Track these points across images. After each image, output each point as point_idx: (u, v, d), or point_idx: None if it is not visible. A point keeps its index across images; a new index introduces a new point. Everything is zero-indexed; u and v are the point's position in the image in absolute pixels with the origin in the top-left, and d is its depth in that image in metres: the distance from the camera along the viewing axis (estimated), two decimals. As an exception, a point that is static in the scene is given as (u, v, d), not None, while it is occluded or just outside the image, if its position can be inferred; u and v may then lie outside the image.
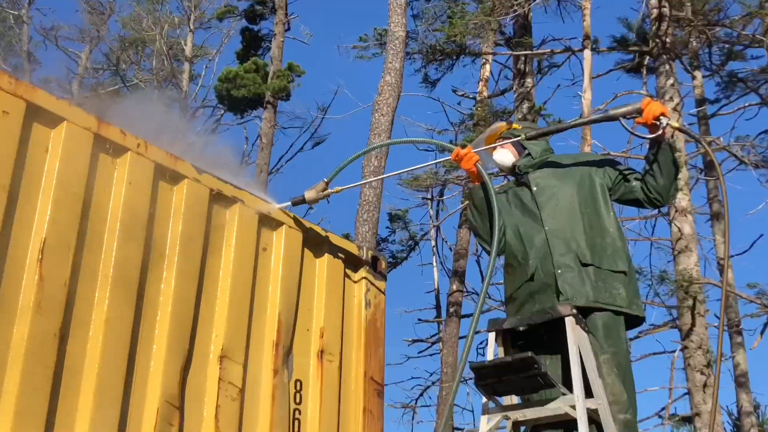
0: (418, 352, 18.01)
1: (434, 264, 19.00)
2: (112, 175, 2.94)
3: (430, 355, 17.94)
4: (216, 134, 19.60)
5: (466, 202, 13.85)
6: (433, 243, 18.96)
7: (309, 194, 3.80)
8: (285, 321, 3.46)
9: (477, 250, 16.67)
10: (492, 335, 3.60)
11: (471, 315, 14.40)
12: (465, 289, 14.96)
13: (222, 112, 18.94)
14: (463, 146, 3.95)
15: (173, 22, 19.51)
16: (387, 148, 10.46)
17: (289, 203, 3.75)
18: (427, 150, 16.69)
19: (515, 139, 3.95)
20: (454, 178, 14.88)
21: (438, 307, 18.24)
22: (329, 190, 3.83)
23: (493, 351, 3.59)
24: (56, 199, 2.67)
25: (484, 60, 14.90)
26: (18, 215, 2.58)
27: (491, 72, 15.35)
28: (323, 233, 3.82)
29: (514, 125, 4.08)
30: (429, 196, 17.75)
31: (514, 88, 14.41)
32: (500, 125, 4.13)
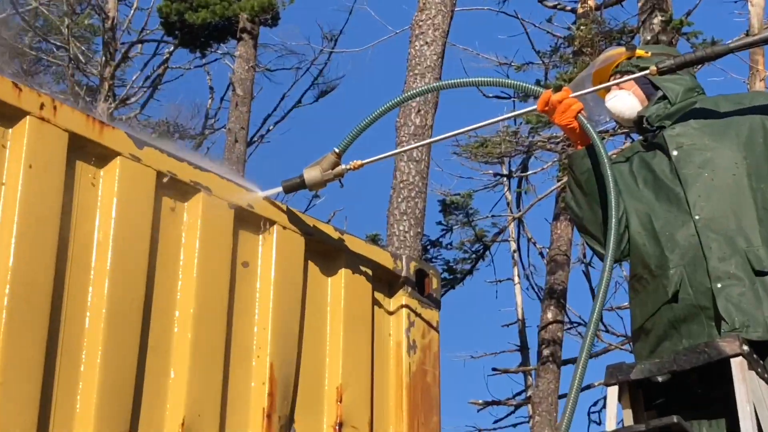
0: (494, 422, 18.07)
1: (516, 279, 19.03)
2: (3, 154, 3.03)
3: (514, 425, 17.99)
4: (160, 84, 19.80)
5: (565, 177, 13.83)
6: (513, 246, 19.03)
7: (311, 174, 3.82)
8: (281, 377, 3.50)
9: (585, 254, 16.66)
10: (613, 390, 3.61)
11: (576, 360, 14.41)
12: (567, 318, 14.97)
13: (171, 47, 19.15)
14: (557, 88, 3.96)
15: None
16: (435, 96, 10.47)
17: (280, 189, 3.80)
18: (499, 97, 16.71)
19: (640, 74, 3.95)
20: (544, 140, 14.86)
21: (524, 348, 18.26)
22: (343, 167, 3.85)
23: (615, 416, 3.60)
24: None
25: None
26: None
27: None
28: (337, 235, 3.85)
29: (639, 52, 4.11)
30: (505, 171, 17.77)
31: (638, -7, 14.32)
32: (617, 52, 4.16)
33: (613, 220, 3.61)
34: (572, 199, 4.03)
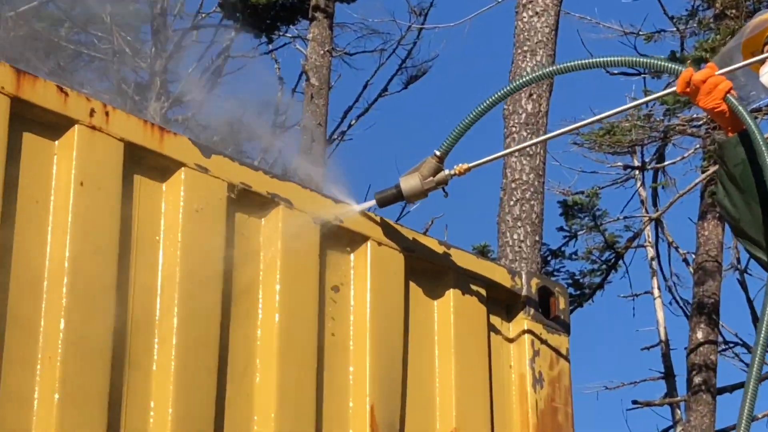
0: (637, 465, 17.92)
1: (655, 292, 18.84)
2: (50, 168, 3.11)
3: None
4: (220, 77, 19.94)
5: (711, 168, 13.69)
6: (650, 252, 18.82)
7: (409, 183, 3.84)
8: (384, 422, 3.51)
9: (739, 259, 16.43)
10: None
11: (738, 387, 14.18)
12: (721, 338, 14.77)
13: (232, 32, 19.30)
14: (698, 63, 3.91)
15: None
16: (549, 82, 10.42)
17: (373, 202, 3.83)
18: (625, 74, 16.55)
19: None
20: (684, 124, 14.69)
21: (669, 375, 18.07)
22: (446, 172, 3.86)
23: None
24: None
25: None
26: None
27: None
28: (442, 250, 3.86)
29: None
30: (637, 163, 17.61)
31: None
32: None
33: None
34: (725, 196, 3.97)
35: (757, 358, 3.57)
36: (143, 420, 3.12)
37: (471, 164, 3.92)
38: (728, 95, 3.75)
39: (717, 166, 4.10)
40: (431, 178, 3.84)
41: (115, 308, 3.10)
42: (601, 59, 4.38)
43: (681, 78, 3.82)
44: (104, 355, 3.03)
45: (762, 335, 3.57)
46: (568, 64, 4.32)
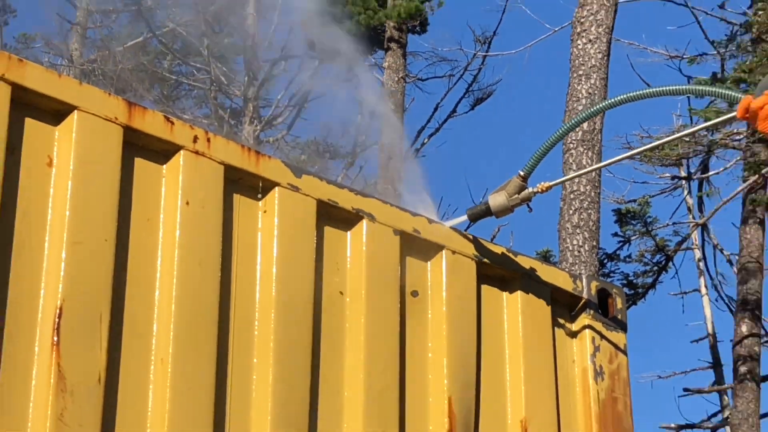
0: (687, 446, 17.69)
1: (703, 290, 18.64)
2: (159, 191, 3.14)
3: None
4: (307, 102, 19.99)
5: (751, 177, 13.53)
6: (697, 254, 18.64)
7: (496, 200, 3.84)
8: (460, 411, 3.50)
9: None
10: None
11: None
12: (764, 331, 14.60)
13: (316, 62, 19.36)
14: (736, 82, 3.85)
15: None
16: (602, 96, 10.36)
17: (465, 218, 3.85)
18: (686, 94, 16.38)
19: None
20: (725, 137, 14.51)
21: (717, 365, 17.86)
22: (530, 190, 3.85)
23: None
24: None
25: None
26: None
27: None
28: (511, 257, 3.84)
29: None
30: (683, 174, 17.43)
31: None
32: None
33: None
34: None
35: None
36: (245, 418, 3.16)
37: (552, 182, 3.91)
38: None
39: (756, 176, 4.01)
40: (516, 195, 3.84)
41: (218, 314, 3.13)
42: (668, 88, 4.29)
43: (741, 105, 3.76)
44: (210, 357, 3.06)
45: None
46: (640, 92, 4.24)
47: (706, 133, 14.64)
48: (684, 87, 4.56)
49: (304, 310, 3.32)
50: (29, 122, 2.95)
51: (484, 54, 19.12)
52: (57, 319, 2.78)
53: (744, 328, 14.41)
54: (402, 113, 16.10)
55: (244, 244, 3.29)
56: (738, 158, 15.11)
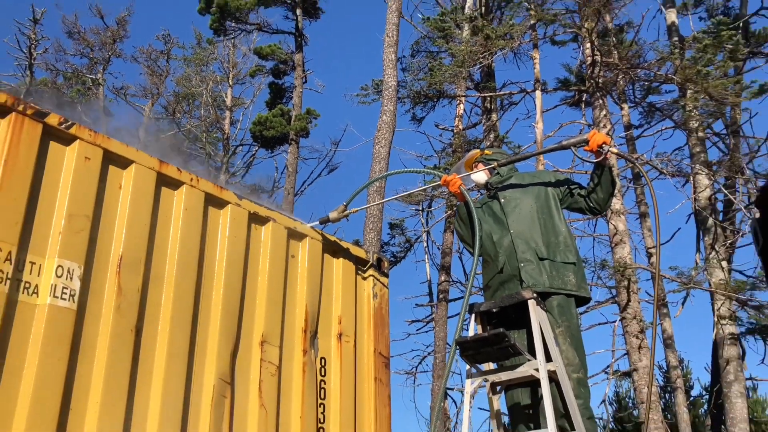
0: (416, 330, 17.81)
1: (426, 261, 18.89)
2: (171, 203, 2.96)
3: (426, 331, 17.77)
4: (251, 166, 19.46)
5: (450, 213, 13.78)
6: (424, 244, 18.76)
7: (332, 215, 3.80)
8: (311, 312, 3.44)
9: (459, 249, 16.51)
10: (472, 316, 3.60)
11: (457, 299, 14.30)
12: (450, 279, 14.89)
13: (256, 148, 18.90)
14: (445, 170, 3.93)
15: (216, 79, 19.66)
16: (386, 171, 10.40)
17: (317, 222, 3.74)
18: (419, 173, 16.59)
19: (490, 166, 3.96)
20: (439, 194, 14.78)
21: (431, 294, 18.10)
22: (348, 211, 3.82)
23: (473, 328, 3.59)
24: (129, 224, 2.70)
25: (458, 101, 14.88)
26: (99, 237, 2.60)
27: (464, 110, 15.30)
28: (338, 242, 3.80)
29: (486, 151, 4.09)
30: (420, 208, 17.71)
31: (483, 122, 14.42)
32: (474, 152, 4.13)
33: (476, 237, 3.61)
34: (458, 226, 3.97)
35: (467, 292, 3.57)
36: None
37: (358, 208, 3.90)
38: (461, 186, 3.79)
39: (456, 215, 4.05)
40: (342, 212, 3.81)
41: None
42: (411, 169, 4.41)
43: (443, 178, 3.84)
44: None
45: (469, 282, 3.59)
46: (398, 171, 4.45)
47: (432, 190, 14.76)
48: (412, 169, 4.64)
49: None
50: (111, 168, 2.76)
51: (335, 149, 18.85)
52: None
53: (442, 278, 14.19)
54: (295, 174, 15.87)
55: (212, 234, 3.13)
56: (443, 203, 15.31)
